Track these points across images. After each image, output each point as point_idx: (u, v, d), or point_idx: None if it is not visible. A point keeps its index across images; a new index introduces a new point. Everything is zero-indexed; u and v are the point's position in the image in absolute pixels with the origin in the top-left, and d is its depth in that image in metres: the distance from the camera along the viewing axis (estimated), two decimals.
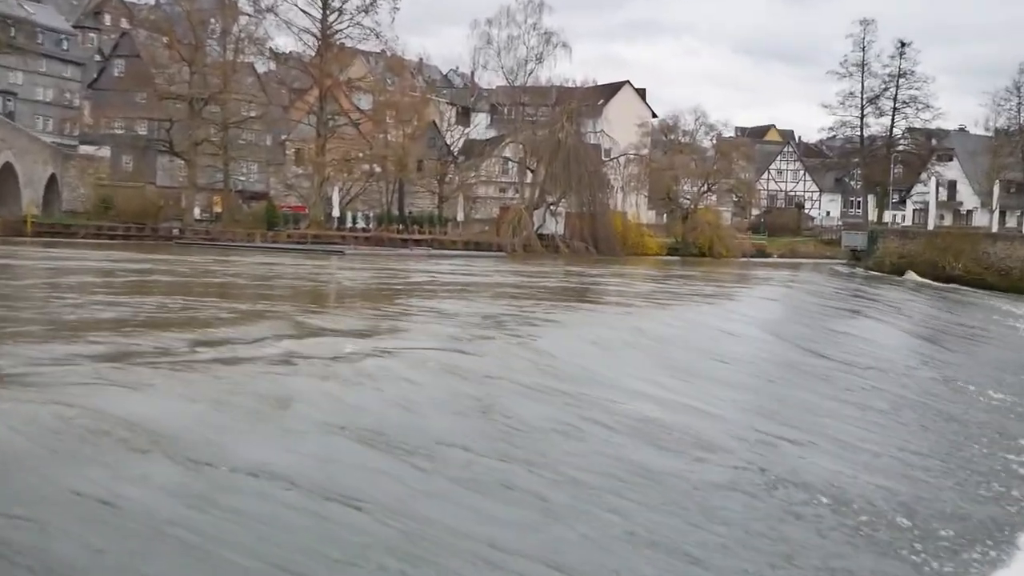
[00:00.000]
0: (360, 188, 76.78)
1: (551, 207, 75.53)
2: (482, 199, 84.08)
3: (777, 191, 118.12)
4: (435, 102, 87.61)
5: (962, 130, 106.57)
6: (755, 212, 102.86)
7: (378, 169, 75.54)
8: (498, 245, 69.11)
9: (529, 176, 77.37)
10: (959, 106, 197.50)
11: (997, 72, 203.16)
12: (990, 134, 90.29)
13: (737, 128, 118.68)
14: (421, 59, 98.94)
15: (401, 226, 73.84)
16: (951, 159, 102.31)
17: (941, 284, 58.01)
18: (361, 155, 75.34)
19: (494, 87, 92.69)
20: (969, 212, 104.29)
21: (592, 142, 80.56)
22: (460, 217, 77.16)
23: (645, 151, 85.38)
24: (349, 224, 73.46)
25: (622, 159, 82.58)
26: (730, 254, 76.54)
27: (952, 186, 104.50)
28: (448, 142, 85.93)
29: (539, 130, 77.56)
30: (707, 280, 43.26)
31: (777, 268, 60.46)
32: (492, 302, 24.66)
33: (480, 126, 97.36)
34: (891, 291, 46.69)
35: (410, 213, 78.50)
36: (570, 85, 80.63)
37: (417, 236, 70.83)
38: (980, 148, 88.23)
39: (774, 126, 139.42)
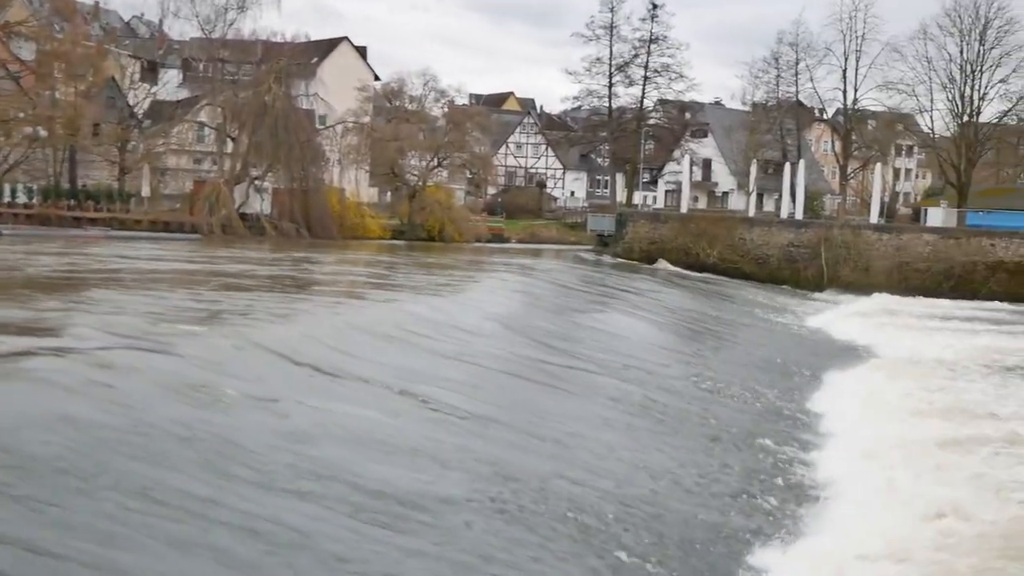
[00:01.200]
0: (21, 155, 72.76)
1: (256, 182, 74.27)
2: (173, 171, 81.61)
3: (516, 167, 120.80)
4: (115, 54, 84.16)
5: (718, 104, 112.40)
6: (492, 191, 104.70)
7: (43, 133, 71.75)
8: (192, 226, 67.36)
9: (230, 145, 75.75)
10: (715, 77, 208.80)
11: (755, 41, 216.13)
12: (747, 109, 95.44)
13: (472, 95, 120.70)
14: (98, 2, 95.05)
15: (73, 201, 70.62)
16: (706, 135, 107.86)
17: (695, 273, 61.14)
18: (22, 115, 71.43)
19: (187, 39, 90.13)
20: (725, 194, 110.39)
21: (304, 107, 79.78)
22: (146, 192, 74.65)
23: (366, 119, 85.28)
24: (7, 199, 69.60)
25: (339, 127, 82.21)
26: (463, 238, 77.70)
27: (707, 165, 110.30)
28: (131, 103, 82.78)
29: (241, 91, 76.02)
30: (437, 268, 43.83)
31: (516, 254, 61.91)
32: (165, 295, 24.07)
33: (170, 85, 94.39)
34: (641, 281, 48.80)
35: (84, 186, 75.11)
36: (279, 40, 79.44)
37: (93, 214, 67.94)
38: (737, 124, 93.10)
39: (513, 94, 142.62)
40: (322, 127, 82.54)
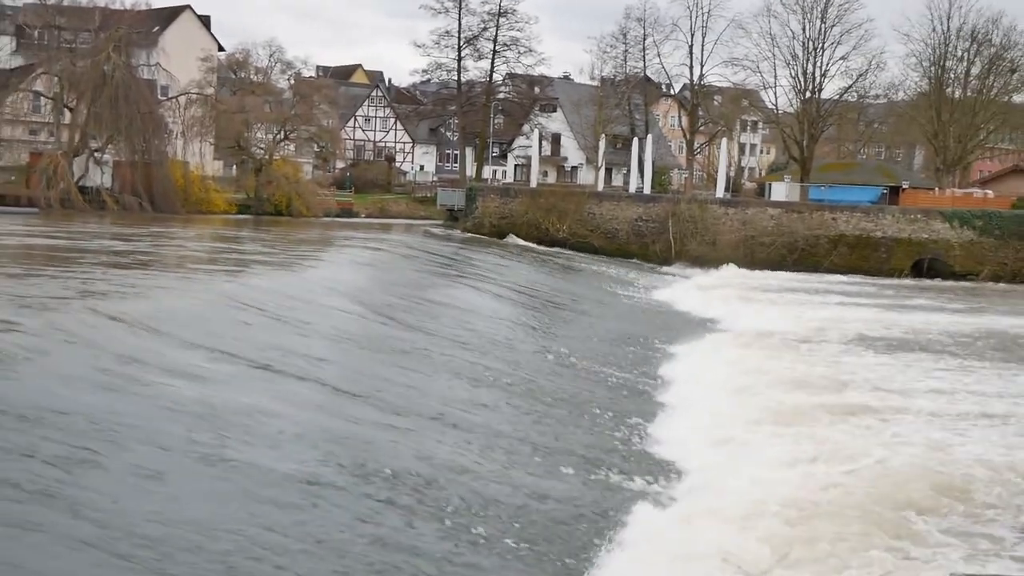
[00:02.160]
0: None
1: (96, 154, 72.34)
2: (7, 143, 79.05)
3: (365, 141, 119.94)
4: None
5: (567, 78, 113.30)
6: (340, 165, 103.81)
7: None
8: (29, 200, 65.35)
9: (68, 116, 73.59)
10: (564, 52, 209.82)
11: (603, 16, 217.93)
12: (596, 84, 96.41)
13: (319, 68, 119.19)
14: None
15: None
16: (555, 110, 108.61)
17: (545, 248, 61.65)
18: None
19: (21, 4, 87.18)
20: (574, 168, 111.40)
21: (146, 77, 77.93)
22: None
23: (210, 90, 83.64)
24: None
25: (183, 99, 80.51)
26: (311, 213, 76.90)
27: (556, 139, 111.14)
28: None
29: (79, 60, 73.81)
30: (285, 242, 43.36)
31: (365, 229, 61.56)
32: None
33: (3, 52, 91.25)
34: (491, 256, 49.01)
35: None
36: (118, 7, 77.41)
37: None
38: (585, 99, 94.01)
39: (361, 67, 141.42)
40: (164, 98, 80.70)
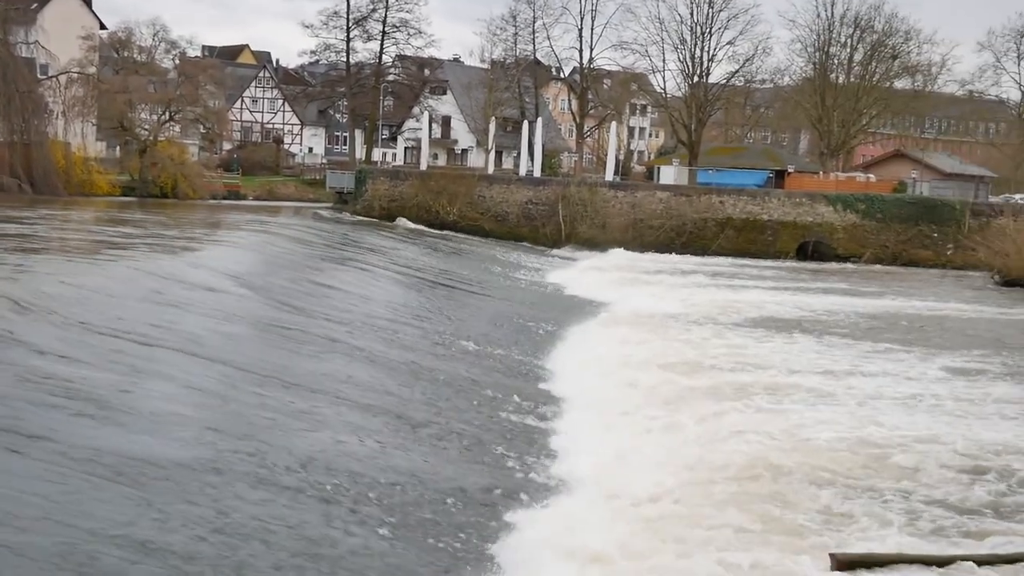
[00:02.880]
0: None
1: None
2: None
3: (253, 123, 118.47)
4: None
5: (457, 61, 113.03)
6: (227, 147, 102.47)
7: None
8: None
9: None
10: (454, 34, 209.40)
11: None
12: (486, 66, 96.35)
13: (205, 47, 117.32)
14: None
15: None
16: (445, 92, 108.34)
17: (435, 231, 61.59)
18: None
19: None
20: (464, 151, 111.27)
21: (24, 55, 76.03)
22: None
23: (92, 70, 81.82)
24: None
25: (63, 78, 78.67)
26: (197, 195, 75.85)
27: (447, 122, 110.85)
28: None
29: None
30: (170, 226, 42.68)
31: (253, 212, 60.85)
32: None
33: None
34: (381, 239, 48.85)
35: None
36: None
37: None
38: (475, 81, 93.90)
39: (248, 47, 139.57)
40: (44, 77, 78.84)
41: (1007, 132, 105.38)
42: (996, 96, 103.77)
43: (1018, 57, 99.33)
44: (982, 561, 10.49)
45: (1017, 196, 79.83)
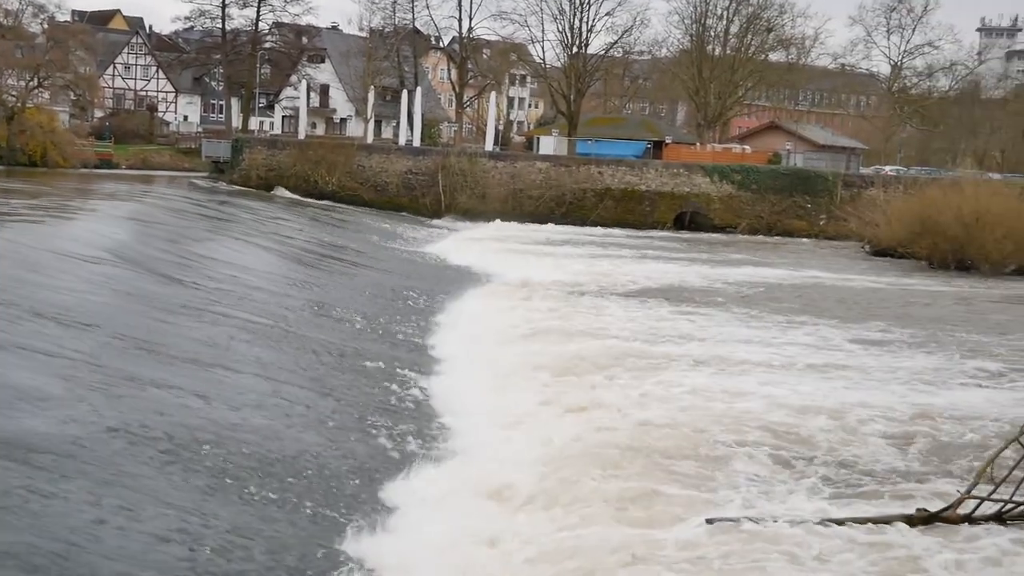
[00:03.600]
0: None
1: None
2: None
3: (125, 90, 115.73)
4: None
5: (335, 29, 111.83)
6: (99, 115, 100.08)
7: None
8: None
9: None
10: (332, 1, 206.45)
11: None
12: (364, 35, 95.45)
13: (75, 12, 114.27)
14: None
15: None
16: (323, 61, 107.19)
17: (315, 200, 61.04)
18: None
19: None
20: (343, 120, 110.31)
21: None
22: None
23: None
24: None
25: None
26: (68, 164, 73.95)
27: (325, 91, 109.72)
28: None
29: None
30: (39, 195, 41.56)
31: (127, 181, 59.67)
32: None
33: None
34: (260, 209, 48.24)
35: None
36: None
37: None
38: (354, 50, 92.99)
39: (120, 12, 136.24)
40: None
41: (877, 105, 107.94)
42: (867, 70, 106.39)
43: (888, 31, 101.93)
44: (841, 521, 10.81)
45: (887, 168, 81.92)
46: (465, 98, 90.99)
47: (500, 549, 10.16)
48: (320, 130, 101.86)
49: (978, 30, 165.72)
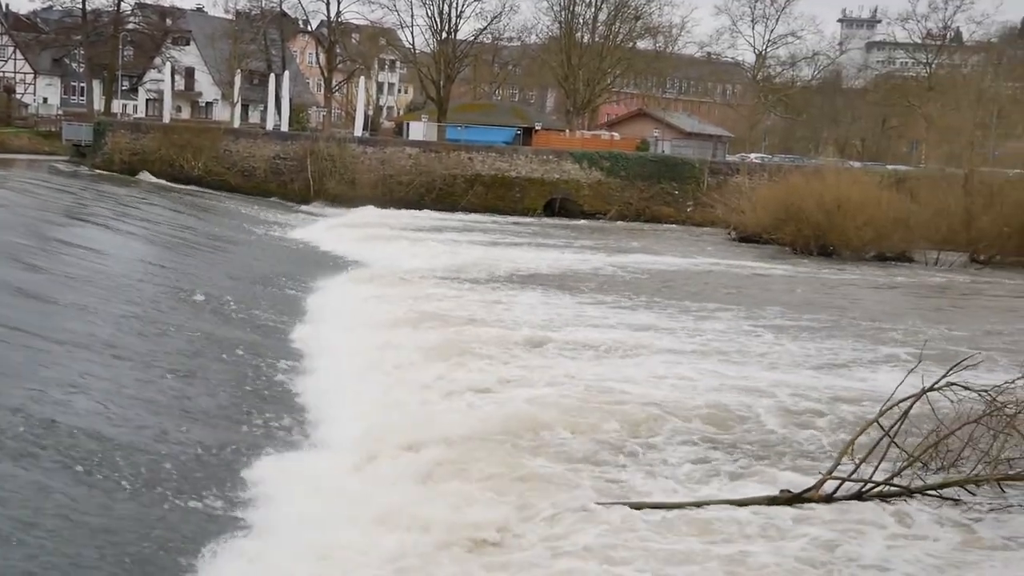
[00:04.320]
0: None
1: None
2: None
3: None
4: None
5: (200, 11, 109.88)
6: None
7: None
8: None
9: None
10: None
11: None
12: (230, 17, 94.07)
13: None
14: None
15: None
16: (188, 43, 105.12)
17: (180, 185, 59.96)
18: None
19: None
20: (209, 104, 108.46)
21: None
22: None
23: None
24: None
25: None
26: None
27: (190, 74, 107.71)
28: None
29: None
30: None
31: None
32: None
33: None
34: (123, 193, 47.23)
35: None
36: None
37: None
38: (220, 32, 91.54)
39: None
40: None
41: (743, 93, 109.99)
42: (732, 58, 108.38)
43: (752, 21, 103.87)
44: (702, 504, 11.01)
45: (752, 155, 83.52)
46: (334, 83, 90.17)
47: (362, 531, 10.06)
48: (185, 114, 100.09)
49: (839, 21, 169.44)
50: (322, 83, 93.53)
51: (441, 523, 10.11)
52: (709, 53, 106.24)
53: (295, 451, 12.77)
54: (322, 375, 16.94)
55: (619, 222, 62.07)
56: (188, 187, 59.72)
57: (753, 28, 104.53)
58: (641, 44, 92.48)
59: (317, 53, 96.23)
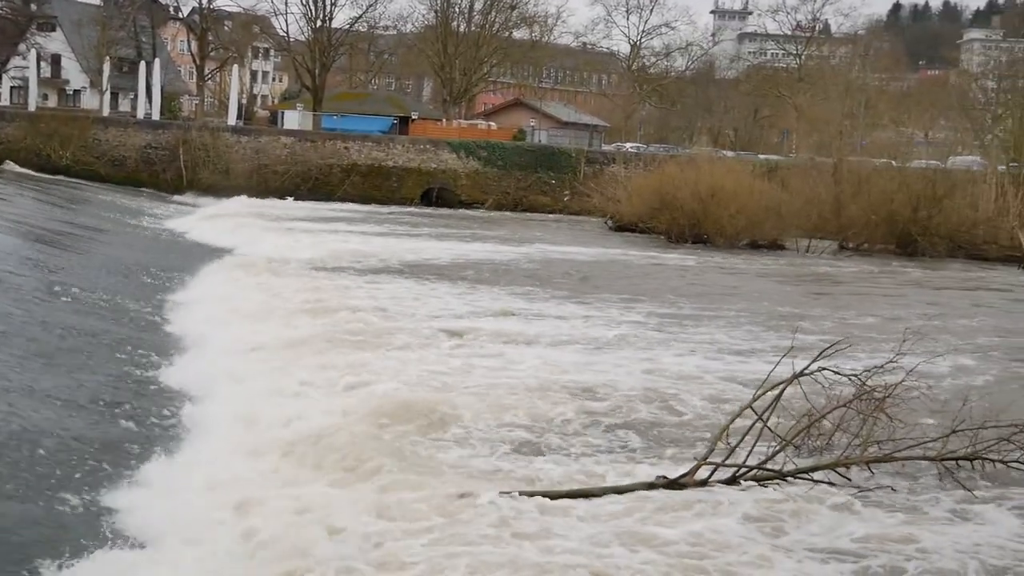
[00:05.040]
0: None
1: None
2: None
3: None
4: None
5: None
6: None
7: None
8: None
9: None
10: None
11: None
12: (98, 3, 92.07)
13: None
14: None
15: None
16: (54, 29, 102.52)
17: (47, 176, 58.46)
18: None
19: None
20: (77, 92, 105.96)
21: None
22: None
23: None
24: None
25: None
26: None
27: (56, 61, 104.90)
28: None
29: None
30: None
31: None
32: None
33: None
34: None
35: None
36: None
37: None
38: (87, 18, 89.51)
39: None
40: None
41: (618, 83, 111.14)
42: (608, 49, 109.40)
43: (627, 11, 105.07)
44: (581, 494, 11.11)
45: (628, 145, 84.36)
46: (206, 71, 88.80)
47: (240, 528, 9.95)
48: (52, 102, 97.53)
49: (712, 12, 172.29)
50: (194, 71, 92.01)
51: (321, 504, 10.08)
52: (585, 43, 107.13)
53: (165, 442, 12.57)
54: (197, 365, 16.67)
55: (497, 212, 62.26)
56: (56, 177, 58.28)
57: (628, 18, 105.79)
58: (517, 34, 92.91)
59: (189, 40, 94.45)
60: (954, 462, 12.06)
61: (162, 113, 73.39)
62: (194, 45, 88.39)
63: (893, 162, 52.90)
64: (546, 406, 14.44)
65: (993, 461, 12.10)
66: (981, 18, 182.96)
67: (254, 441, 12.52)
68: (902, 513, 10.86)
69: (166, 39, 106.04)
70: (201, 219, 45.47)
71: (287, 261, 30.43)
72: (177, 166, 62.58)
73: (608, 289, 28.36)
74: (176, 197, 58.26)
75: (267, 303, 22.64)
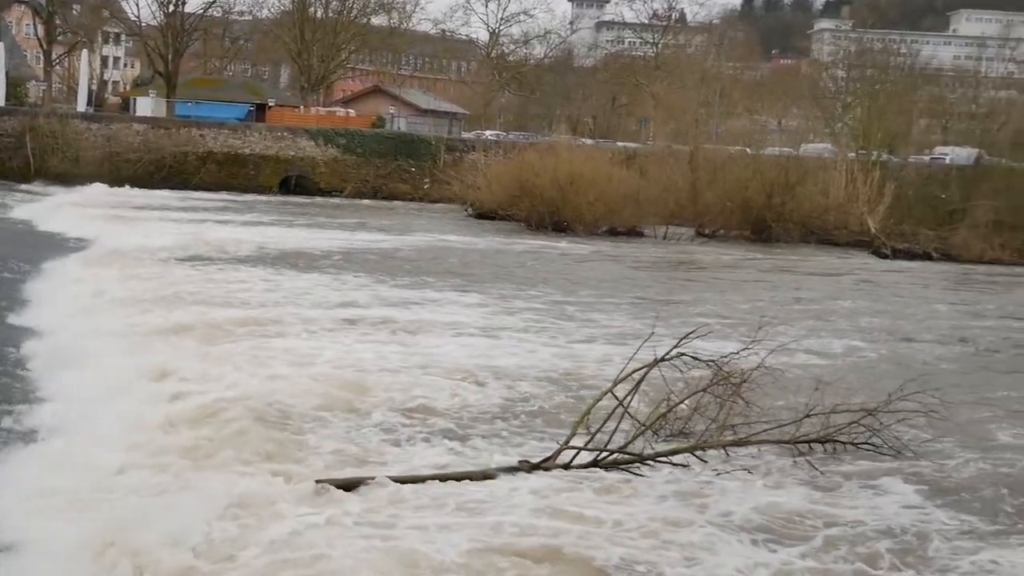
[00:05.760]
0: None
1: None
2: None
3: None
4: None
5: None
6: None
7: None
8: None
9: None
10: None
11: None
12: None
13: None
14: None
15: None
16: None
17: None
18: None
19: None
20: None
21: None
22: None
23: None
24: None
25: None
26: None
27: None
28: None
29: None
30: None
31: None
32: None
33: None
34: None
35: None
36: None
37: None
38: None
39: None
40: None
41: (477, 71, 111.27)
42: (467, 36, 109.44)
43: None
44: (445, 478, 11.20)
45: (488, 132, 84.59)
46: (54, 56, 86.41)
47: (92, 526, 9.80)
48: None
49: (570, 0, 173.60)
50: (41, 56, 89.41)
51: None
52: (444, 30, 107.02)
53: (24, 444, 12.29)
54: (49, 360, 16.30)
55: (356, 200, 61.91)
56: None
57: (487, 6, 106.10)
58: (375, 20, 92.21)
59: (35, 24, 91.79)
60: (807, 444, 12.47)
61: (8, 99, 71.14)
62: (40, 29, 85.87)
63: (748, 150, 54.13)
64: (423, 392, 14.55)
65: (844, 443, 12.57)
66: (831, 9, 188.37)
67: (109, 431, 12.29)
68: (758, 494, 11.17)
69: (10, 22, 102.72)
70: (51, 208, 44.20)
71: (142, 250, 29.75)
72: (24, 153, 60.72)
73: (479, 279, 28.48)
74: (23, 186, 56.52)
75: (123, 294, 22.17)
